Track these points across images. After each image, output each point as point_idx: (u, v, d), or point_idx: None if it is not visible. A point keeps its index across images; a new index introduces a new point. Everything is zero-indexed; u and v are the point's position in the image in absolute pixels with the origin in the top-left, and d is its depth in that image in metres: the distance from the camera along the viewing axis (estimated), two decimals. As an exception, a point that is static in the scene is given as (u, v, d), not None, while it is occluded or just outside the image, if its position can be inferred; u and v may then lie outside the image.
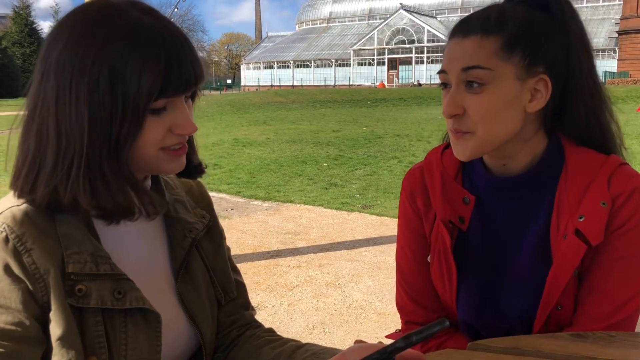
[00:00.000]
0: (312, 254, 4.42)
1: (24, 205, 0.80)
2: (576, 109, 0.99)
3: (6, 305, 0.75)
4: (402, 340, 0.66)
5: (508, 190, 1.03)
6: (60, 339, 0.76)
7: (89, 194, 0.77)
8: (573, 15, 0.99)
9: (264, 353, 0.94)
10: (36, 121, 0.78)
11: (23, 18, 51.89)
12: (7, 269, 0.76)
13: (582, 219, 0.94)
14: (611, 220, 0.95)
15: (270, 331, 1.03)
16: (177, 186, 0.99)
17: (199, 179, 1.01)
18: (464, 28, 0.97)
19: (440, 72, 0.99)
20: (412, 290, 1.13)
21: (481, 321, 1.06)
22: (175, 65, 0.77)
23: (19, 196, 0.80)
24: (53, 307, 0.77)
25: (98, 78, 0.75)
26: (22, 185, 0.79)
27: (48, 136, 0.77)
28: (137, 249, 0.89)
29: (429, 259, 1.10)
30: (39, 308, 0.77)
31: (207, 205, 1.03)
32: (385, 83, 53.18)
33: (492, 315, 1.05)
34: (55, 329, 0.76)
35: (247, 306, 1.06)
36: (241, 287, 1.05)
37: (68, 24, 0.79)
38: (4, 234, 0.76)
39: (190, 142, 0.91)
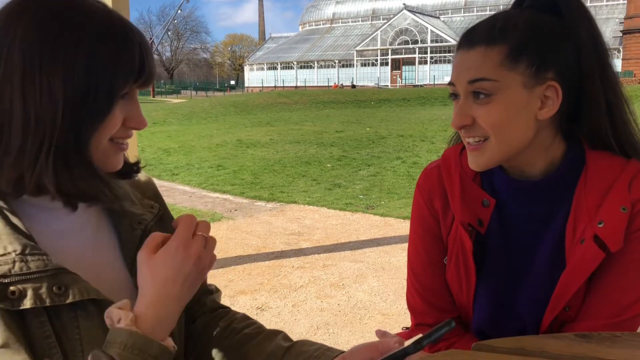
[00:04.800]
0: (316, 255, 4.42)
1: None
2: (590, 112, 0.96)
3: None
4: (413, 345, 0.67)
5: (527, 194, 1.01)
6: (2, 347, 0.70)
7: (54, 179, 0.74)
8: (584, 14, 0.95)
9: (250, 353, 0.92)
10: None
11: None
12: None
13: (601, 225, 0.93)
14: (630, 224, 0.93)
15: (245, 320, 0.99)
16: (119, 180, 0.95)
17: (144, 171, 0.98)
18: (470, 39, 0.95)
19: (449, 84, 0.98)
20: (425, 291, 1.11)
21: (495, 324, 1.05)
22: (145, 55, 0.78)
23: None
24: None
25: (74, 59, 0.72)
26: None
27: (12, 117, 0.72)
28: (80, 243, 0.85)
29: (445, 260, 1.08)
30: None
31: (154, 195, 1.00)
32: (389, 83, 53.22)
33: (506, 318, 1.04)
34: None
35: (210, 291, 1.03)
36: None
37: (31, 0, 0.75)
38: None
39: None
